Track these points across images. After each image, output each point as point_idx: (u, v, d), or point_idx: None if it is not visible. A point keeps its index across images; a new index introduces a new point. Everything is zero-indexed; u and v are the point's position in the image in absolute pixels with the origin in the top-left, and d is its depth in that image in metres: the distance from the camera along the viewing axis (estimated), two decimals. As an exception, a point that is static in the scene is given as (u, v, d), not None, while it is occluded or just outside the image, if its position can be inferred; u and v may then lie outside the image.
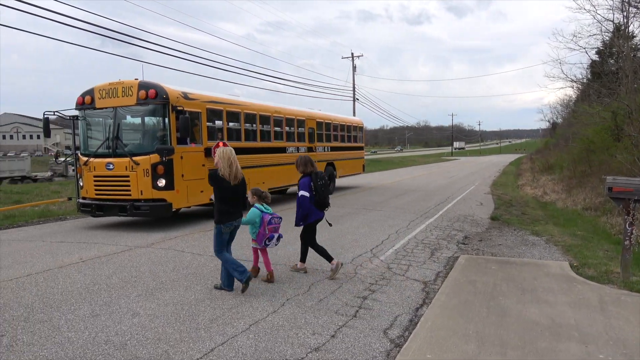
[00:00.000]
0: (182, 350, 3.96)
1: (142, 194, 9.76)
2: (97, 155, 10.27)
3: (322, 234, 9.25)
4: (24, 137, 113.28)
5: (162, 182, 9.74)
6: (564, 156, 29.06)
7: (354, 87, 40.80)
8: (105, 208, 10.09)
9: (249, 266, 6.15)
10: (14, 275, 6.41)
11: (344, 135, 19.60)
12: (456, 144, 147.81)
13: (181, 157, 10.03)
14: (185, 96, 10.42)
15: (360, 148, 21.71)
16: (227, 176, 5.57)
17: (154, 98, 9.80)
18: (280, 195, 17.60)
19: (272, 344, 4.08)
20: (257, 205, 6.18)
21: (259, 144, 13.27)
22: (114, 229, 10.20)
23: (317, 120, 17.11)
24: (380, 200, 15.37)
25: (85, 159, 10.48)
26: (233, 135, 12.22)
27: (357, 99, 41.00)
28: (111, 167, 9.99)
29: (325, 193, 6.46)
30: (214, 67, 20.81)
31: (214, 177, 5.59)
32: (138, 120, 10.83)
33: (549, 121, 61.61)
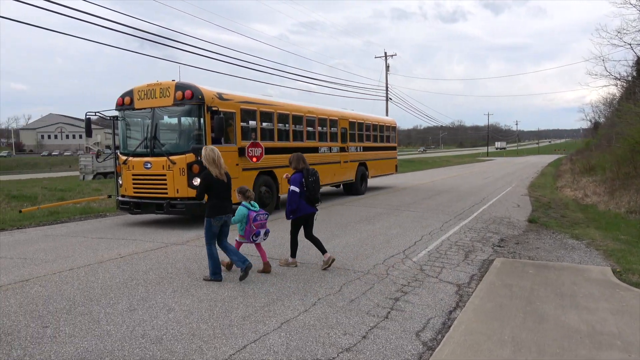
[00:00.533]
0: (216, 346, 4.04)
1: (178, 192, 9.99)
2: (135, 155, 10.59)
3: (354, 235, 9.24)
4: (67, 136, 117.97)
5: (197, 181, 9.93)
6: (606, 157, 27.90)
7: (386, 87, 40.50)
8: (143, 206, 10.39)
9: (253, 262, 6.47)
10: (58, 269, 6.69)
11: (376, 135, 19.49)
12: (497, 144, 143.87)
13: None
14: (220, 97, 10.60)
15: (393, 148, 21.53)
16: (216, 174, 6.08)
17: (190, 99, 10.02)
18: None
19: (304, 343, 4.10)
20: (244, 203, 6.60)
21: (291, 143, 13.35)
22: (151, 226, 10.49)
23: (350, 120, 17.07)
24: (413, 201, 15.20)
25: (124, 158, 10.82)
26: (266, 135, 12.35)
27: (390, 99, 40.69)
28: (149, 166, 10.27)
29: (315, 189, 6.80)
30: (248, 67, 21.06)
31: (209, 177, 6.08)
32: (175, 121, 11.10)
33: (590, 121, 59.44)
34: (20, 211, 12.36)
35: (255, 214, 6.53)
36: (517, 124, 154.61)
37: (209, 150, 6.14)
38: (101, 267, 6.76)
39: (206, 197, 6.31)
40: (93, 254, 7.62)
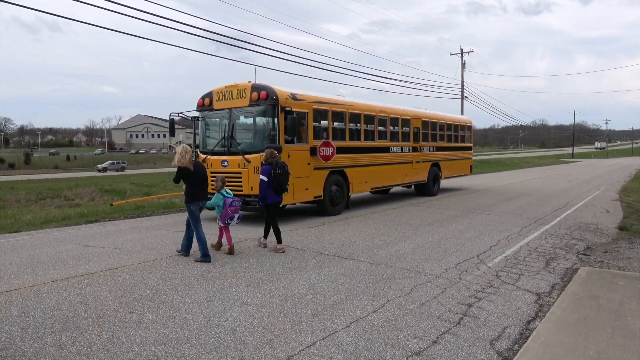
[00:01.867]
0: (286, 340, 4.13)
1: (252, 189, 10.34)
2: (214, 153, 11.11)
3: (425, 237, 9.04)
4: (152, 136, 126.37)
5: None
6: None
7: (462, 85, 39.15)
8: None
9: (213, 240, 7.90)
10: (143, 259, 7.19)
11: (450, 135, 18.90)
12: (597, 144, 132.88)
13: (288, 156, 10.44)
14: (294, 97, 10.82)
15: (469, 148, 20.76)
16: (187, 165, 7.02)
17: (265, 99, 10.33)
18: (381, 195, 17.52)
19: (372, 344, 4.08)
20: (222, 191, 7.57)
21: (362, 143, 13.32)
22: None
23: (423, 119, 16.70)
24: (489, 204, 14.56)
25: (203, 156, 11.39)
26: (338, 134, 12.42)
27: (466, 97, 39.28)
28: (226, 164, 10.73)
29: (282, 180, 7.78)
30: (320, 68, 21.25)
31: (183, 170, 7.04)
32: (250, 121, 11.50)
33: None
34: (111, 204, 13.43)
35: (231, 200, 7.55)
36: (607, 123, 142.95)
37: (180, 147, 7.19)
38: (181, 259, 7.17)
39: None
40: (174, 246, 8.10)
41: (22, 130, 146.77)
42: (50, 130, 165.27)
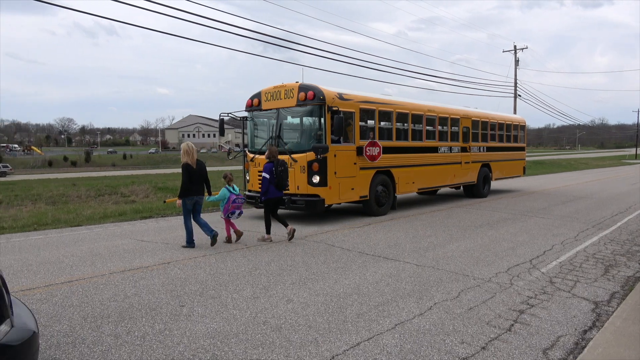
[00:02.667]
0: (330, 340, 4.14)
1: (298, 189, 10.45)
2: (261, 153, 11.30)
3: (474, 240, 8.79)
4: (203, 135, 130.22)
5: (316, 179, 10.30)
6: None
7: (515, 83, 37.78)
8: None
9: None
10: (193, 255, 7.43)
11: (502, 135, 18.27)
12: None
13: (335, 155, 10.46)
14: (340, 97, 10.82)
15: (522, 149, 20.00)
16: (190, 163, 7.81)
17: (312, 99, 10.39)
18: (428, 196, 17.19)
19: (418, 347, 4.02)
20: (227, 186, 8.30)
21: (410, 143, 13.13)
22: (273, 220, 11.10)
23: (472, 118, 16.25)
24: (543, 207, 13.96)
25: (251, 155, 11.62)
26: (384, 134, 12.31)
27: (519, 95, 37.89)
28: (273, 163, 10.88)
29: (283, 177, 8.45)
30: (367, 67, 21.17)
31: (185, 166, 7.80)
32: (297, 120, 11.61)
33: None
34: (164, 201, 13.96)
35: (235, 197, 8.25)
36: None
37: (185, 145, 7.90)
38: (229, 256, 7.35)
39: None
40: (222, 243, 8.31)
41: (83, 130, 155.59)
42: (109, 130, 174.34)
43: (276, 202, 8.74)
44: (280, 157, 10.81)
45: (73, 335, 4.23)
